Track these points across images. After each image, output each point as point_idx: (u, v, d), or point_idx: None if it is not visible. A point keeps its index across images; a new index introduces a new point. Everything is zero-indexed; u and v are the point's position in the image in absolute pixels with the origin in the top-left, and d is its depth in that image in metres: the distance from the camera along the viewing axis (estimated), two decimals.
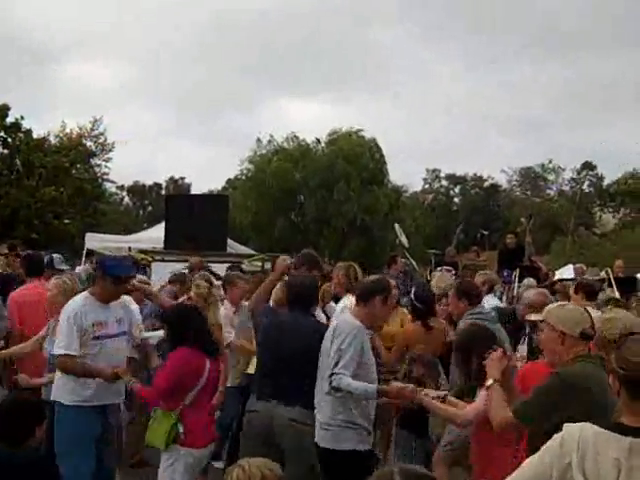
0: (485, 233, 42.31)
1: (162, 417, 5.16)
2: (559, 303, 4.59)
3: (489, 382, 4.20)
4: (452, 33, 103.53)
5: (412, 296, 7.45)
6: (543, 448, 2.92)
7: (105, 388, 5.49)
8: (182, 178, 73.73)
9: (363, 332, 4.95)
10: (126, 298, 5.96)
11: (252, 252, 18.55)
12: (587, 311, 4.17)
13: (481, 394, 4.36)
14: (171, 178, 74.19)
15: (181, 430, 5.07)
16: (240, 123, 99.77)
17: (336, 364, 4.79)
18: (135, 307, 6.32)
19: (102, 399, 5.52)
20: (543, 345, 4.14)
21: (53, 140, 37.23)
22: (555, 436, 2.91)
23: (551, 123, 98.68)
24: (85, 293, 5.64)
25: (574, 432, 2.87)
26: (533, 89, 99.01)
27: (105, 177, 41.55)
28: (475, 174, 73.71)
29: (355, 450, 4.87)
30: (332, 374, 4.76)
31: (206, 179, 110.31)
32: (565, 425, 2.95)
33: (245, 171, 38.99)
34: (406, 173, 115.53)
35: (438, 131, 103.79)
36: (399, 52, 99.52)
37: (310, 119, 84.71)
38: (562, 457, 2.82)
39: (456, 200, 75.37)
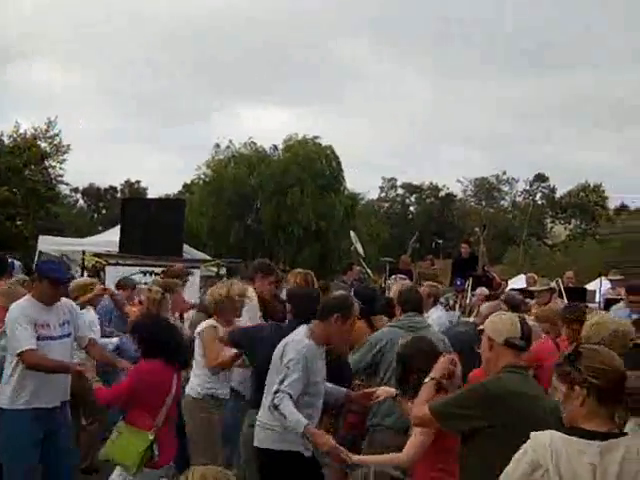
0: (440, 242, 42.75)
1: (133, 435, 5.03)
2: (499, 312, 4.67)
3: (427, 379, 4.26)
4: (412, 45, 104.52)
5: (352, 294, 7.61)
6: (514, 460, 3.02)
7: (47, 390, 5.48)
8: (138, 182, 73.11)
9: (312, 351, 4.92)
10: (70, 302, 5.96)
11: (208, 257, 18.51)
12: (524, 322, 4.19)
13: (415, 430, 4.38)
14: (127, 181, 73.53)
15: (156, 452, 4.99)
16: (197, 129, 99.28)
17: (282, 381, 4.79)
18: (81, 311, 6.29)
19: (44, 401, 5.48)
20: (482, 353, 4.18)
21: (6, 140, 36.65)
22: (525, 450, 3.01)
23: (506, 135, 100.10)
24: (27, 296, 5.67)
25: (544, 441, 2.98)
26: (489, 102, 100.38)
27: (59, 179, 41.05)
28: (431, 183, 74.41)
29: (282, 451, 4.87)
30: (277, 391, 4.76)
31: (162, 183, 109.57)
32: (533, 435, 3.05)
33: (202, 176, 38.86)
34: (363, 181, 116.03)
35: (395, 141, 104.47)
36: (359, 62, 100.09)
37: (268, 126, 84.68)
38: (537, 465, 2.94)
39: (412, 209, 75.93)
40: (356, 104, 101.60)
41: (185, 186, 50.57)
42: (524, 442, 3.58)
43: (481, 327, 4.36)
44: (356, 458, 4.66)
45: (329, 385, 5.36)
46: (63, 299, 5.78)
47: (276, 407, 4.72)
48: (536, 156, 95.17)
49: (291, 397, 4.73)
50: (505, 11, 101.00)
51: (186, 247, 16.26)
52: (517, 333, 4.03)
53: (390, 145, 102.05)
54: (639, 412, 3.24)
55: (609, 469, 2.89)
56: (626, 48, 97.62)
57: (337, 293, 5.53)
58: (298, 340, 5.01)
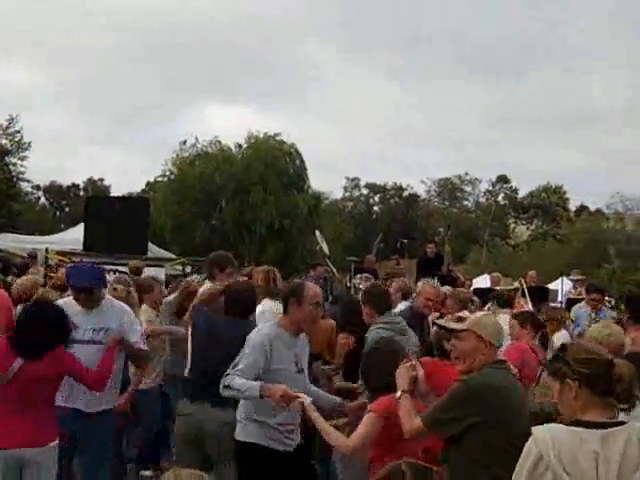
0: (405, 242, 42.95)
1: None
2: (483, 313, 4.78)
3: (398, 393, 4.29)
4: (378, 47, 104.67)
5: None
6: (522, 458, 3.11)
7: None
8: (101, 179, 72.44)
9: (276, 336, 4.96)
10: (126, 311, 5.90)
11: (172, 256, 18.46)
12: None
13: (364, 419, 4.46)
14: (89, 179, 72.80)
15: None
16: (162, 127, 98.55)
17: (234, 366, 4.84)
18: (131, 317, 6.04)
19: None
20: (463, 353, 4.21)
21: None
22: (528, 446, 3.09)
23: (470, 136, 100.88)
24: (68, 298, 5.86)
25: (544, 434, 3.07)
26: (452, 103, 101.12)
27: (20, 176, 40.58)
28: (395, 184, 74.73)
29: (257, 444, 4.87)
30: (227, 374, 4.81)
31: (125, 181, 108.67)
32: (534, 429, 3.13)
33: (168, 173, 38.62)
34: (327, 181, 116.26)
35: (360, 141, 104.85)
36: (324, 62, 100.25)
37: (233, 125, 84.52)
38: (539, 458, 3.02)
39: (375, 209, 76.21)
40: (322, 105, 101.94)
41: (149, 184, 50.23)
42: (506, 435, 3.75)
43: (459, 327, 4.41)
44: (311, 408, 4.64)
45: (321, 393, 5.39)
46: (124, 307, 5.90)
47: (226, 387, 4.77)
48: (498, 157, 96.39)
49: (240, 377, 4.76)
50: (471, 15, 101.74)
51: (151, 245, 16.21)
52: (502, 336, 4.29)
53: (354, 146, 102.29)
54: (627, 400, 3.31)
55: (611, 456, 2.98)
56: (586, 53, 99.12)
57: (290, 282, 5.60)
58: (262, 328, 5.13)
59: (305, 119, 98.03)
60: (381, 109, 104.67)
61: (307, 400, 4.65)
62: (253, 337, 4.98)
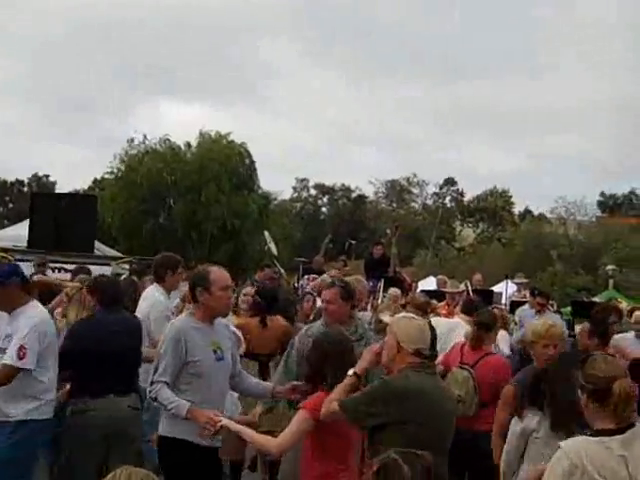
0: (353, 243, 43.19)
1: None
2: (408, 315, 4.80)
3: (350, 371, 4.30)
4: (329, 47, 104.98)
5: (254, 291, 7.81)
6: (549, 470, 3.36)
7: None
8: (47, 176, 71.21)
9: (187, 326, 4.94)
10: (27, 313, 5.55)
11: (120, 255, 18.28)
12: (432, 330, 4.33)
13: (295, 416, 4.42)
14: (35, 175, 71.52)
15: None
16: (111, 124, 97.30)
17: (155, 370, 4.85)
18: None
19: None
20: (384, 347, 4.28)
21: None
22: (558, 457, 3.35)
23: (419, 139, 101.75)
24: None
25: (574, 446, 3.34)
26: (403, 105, 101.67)
27: None
28: (343, 185, 74.98)
29: (182, 440, 4.87)
30: (152, 382, 4.81)
31: (72, 178, 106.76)
32: (563, 444, 3.39)
33: (115, 170, 38.14)
34: (277, 181, 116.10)
35: (309, 141, 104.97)
36: (277, 62, 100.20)
37: (185, 123, 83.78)
38: (573, 469, 3.26)
39: (324, 210, 76.35)
40: (273, 103, 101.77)
41: (95, 181, 49.58)
42: (424, 438, 3.79)
43: (386, 319, 4.50)
44: (232, 425, 4.65)
45: (253, 380, 5.45)
46: (28, 312, 5.48)
47: (155, 399, 4.79)
48: (446, 160, 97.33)
49: (167, 384, 4.76)
50: (423, 16, 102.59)
51: (98, 244, 16.02)
52: (427, 344, 4.17)
53: (305, 146, 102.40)
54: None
55: (637, 456, 3.29)
56: (533, 57, 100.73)
57: (194, 271, 5.53)
58: (174, 321, 5.19)
59: (257, 118, 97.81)
60: (332, 109, 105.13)
61: (224, 421, 4.62)
62: (167, 332, 5.01)
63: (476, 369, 6.38)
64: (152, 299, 6.88)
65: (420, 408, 3.97)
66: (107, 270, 11.94)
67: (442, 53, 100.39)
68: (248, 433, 4.57)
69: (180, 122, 78.32)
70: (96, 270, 11.20)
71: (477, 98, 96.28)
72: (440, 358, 6.27)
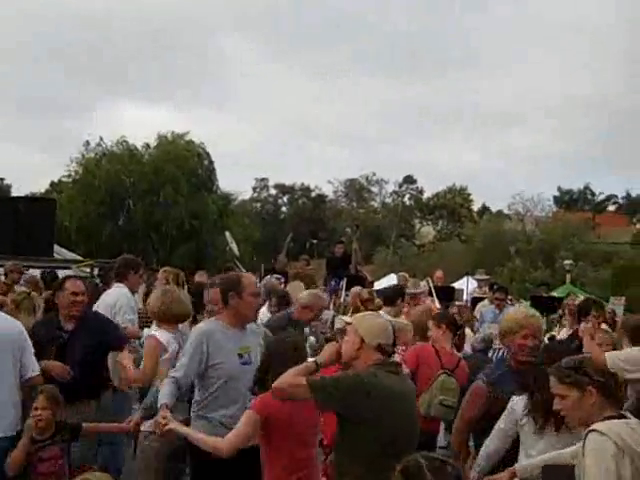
0: (314, 242, 43.22)
1: None
2: (370, 313, 4.86)
3: (311, 359, 4.31)
4: (289, 44, 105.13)
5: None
6: (599, 459, 3.48)
7: None
8: (2, 179, 70.12)
9: (214, 329, 5.07)
10: None
11: (79, 257, 18.12)
12: (393, 327, 4.33)
13: (242, 418, 4.43)
14: None
15: None
16: (69, 125, 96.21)
17: (175, 365, 5.04)
18: None
19: None
20: (345, 344, 4.24)
21: None
22: (602, 440, 3.49)
23: (378, 138, 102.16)
24: None
25: (610, 428, 3.53)
26: (363, 104, 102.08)
27: None
28: (302, 184, 75.07)
29: None
30: (170, 375, 4.97)
31: (28, 182, 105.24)
32: (596, 426, 3.54)
33: (73, 174, 37.74)
34: (237, 182, 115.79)
35: (269, 141, 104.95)
36: (236, 61, 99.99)
37: (144, 125, 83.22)
38: (619, 452, 3.46)
39: (284, 209, 76.35)
40: (233, 103, 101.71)
41: (53, 184, 48.96)
42: (389, 437, 3.89)
43: (349, 320, 4.52)
44: (181, 428, 4.66)
45: None
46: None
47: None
48: (405, 159, 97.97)
49: (176, 381, 4.87)
50: (385, 13, 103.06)
51: (57, 247, 15.89)
52: (389, 340, 4.17)
53: (264, 145, 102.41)
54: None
55: None
56: (494, 56, 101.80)
57: (225, 276, 5.68)
58: (200, 324, 5.28)
59: (216, 119, 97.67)
60: (292, 109, 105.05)
61: (171, 424, 4.59)
62: (191, 334, 5.12)
63: (455, 374, 6.32)
64: (118, 293, 6.96)
65: (388, 407, 3.96)
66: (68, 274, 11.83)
67: (402, 52, 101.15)
68: (196, 436, 4.60)
69: (140, 124, 77.95)
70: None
71: (436, 97, 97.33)
72: (402, 358, 6.27)
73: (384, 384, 4.00)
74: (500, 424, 4.58)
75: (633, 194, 72.86)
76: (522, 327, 4.93)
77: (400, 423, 4.01)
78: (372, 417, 3.93)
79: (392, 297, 7.98)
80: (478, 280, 15.51)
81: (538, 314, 5.50)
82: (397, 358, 5.66)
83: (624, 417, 3.65)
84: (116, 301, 6.82)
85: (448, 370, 6.29)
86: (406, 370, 5.98)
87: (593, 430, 3.50)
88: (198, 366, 4.95)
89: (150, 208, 35.61)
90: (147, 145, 38.48)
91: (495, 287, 11.81)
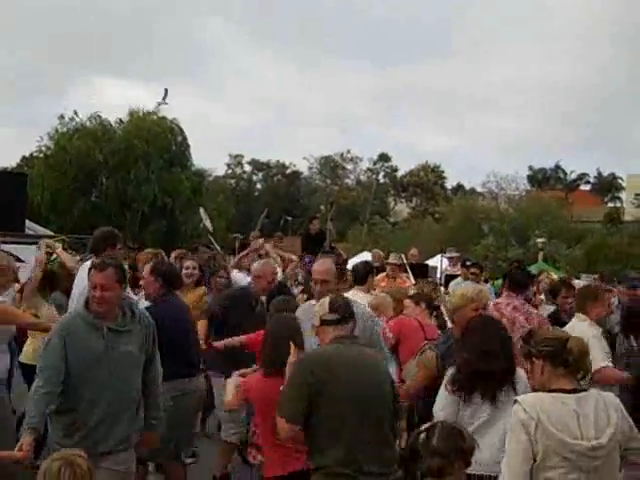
0: (289, 219, 43.11)
1: None
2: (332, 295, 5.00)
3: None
4: (264, 23, 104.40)
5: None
6: (511, 429, 3.66)
7: None
8: None
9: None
10: None
11: (51, 233, 17.92)
12: (334, 298, 4.55)
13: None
14: None
15: None
16: (42, 100, 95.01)
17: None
18: None
19: None
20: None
21: None
22: (514, 410, 3.64)
23: (353, 116, 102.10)
24: None
25: (531, 401, 3.64)
26: (336, 82, 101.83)
27: None
28: (278, 161, 74.80)
29: None
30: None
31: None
32: (520, 398, 3.71)
33: (44, 149, 37.28)
34: (212, 159, 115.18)
35: (245, 119, 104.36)
36: (213, 40, 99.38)
37: (121, 101, 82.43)
38: (529, 424, 3.55)
39: (258, 186, 76.06)
40: (209, 81, 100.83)
41: (24, 159, 48.32)
42: (343, 404, 4.07)
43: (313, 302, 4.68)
44: None
45: None
46: None
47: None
48: (380, 136, 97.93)
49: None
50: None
51: (29, 223, 15.67)
52: (325, 310, 4.37)
53: (240, 123, 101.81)
54: (577, 369, 3.83)
55: (588, 413, 3.59)
56: (470, 38, 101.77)
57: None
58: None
59: (193, 97, 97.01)
60: (268, 87, 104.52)
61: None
62: None
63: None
64: None
65: (334, 376, 4.11)
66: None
67: (380, 36, 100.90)
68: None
69: (115, 100, 77.09)
70: (23, 250, 11.00)
71: (410, 77, 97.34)
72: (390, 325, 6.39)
73: (327, 353, 4.25)
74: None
75: (604, 173, 73.39)
76: (473, 301, 5.26)
77: (349, 386, 4.12)
78: (320, 386, 4.08)
79: (362, 275, 8.03)
80: (449, 258, 15.59)
81: (486, 289, 5.83)
82: (383, 327, 5.81)
83: (577, 390, 3.68)
84: None
85: (431, 342, 6.40)
86: (390, 337, 6.14)
87: (515, 401, 3.70)
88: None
89: (122, 184, 35.29)
90: (120, 120, 38.08)
91: (468, 263, 11.86)
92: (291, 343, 4.54)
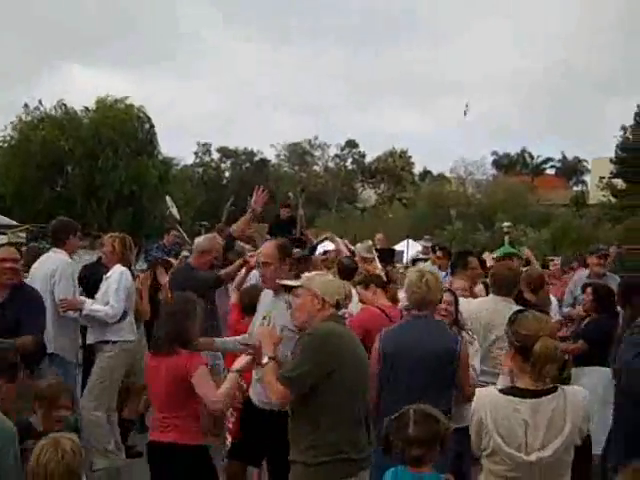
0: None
1: None
2: (318, 273, 5.11)
3: (265, 359, 4.38)
4: (235, 7, 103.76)
5: None
6: (471, 422, 3.66)
7: None
8: None
9: None
10: None
11: (15, 223, 17.75)
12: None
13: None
14: None
15: None
16: (8, 90, 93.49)
17: None
18: None
19: None
20: (300, 307, 4.54)
21: None
22: (472, 409, 3.66)
23: (321, 102, 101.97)
24: None
25: (484, 399, 3.59)
26: (304, 69, 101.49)
27: None
28: (246, 148, 74.41)
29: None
30: None
31: None
32: (477, 392, 3.70)
33: (8, 138, 36.78)
34: (180, 147, 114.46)
35: (213, 106, 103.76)
36: (181, 25, 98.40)
37: (89, 89, 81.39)
38: (481, 423, 3.55)
39: (227, 174, 75.65)
40: (177, 68, 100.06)
41: None
42: (352, 379, 4.18)
43: (294, 284, 4.68)
44: None
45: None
46: None
47: None
48: (347, 123, 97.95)
49: None
50: None
51: None
52: (343, 295, 4.50)
53: (208, 110, 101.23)
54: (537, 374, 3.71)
55: (539, 424, 3.46)
56: (444, 24, 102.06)
57: None
58: None
59: (162, 83, 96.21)
60: (235, 73, 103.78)
61: None
62: None
63: None
64: (57, 260, 6.78)
65: (349, 350, 4.27)
66: (3, 239, 11.59)
67: (346, 20, 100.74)
68: None
69: (82, 88, 76.11)
70: None
71: (377, 62, 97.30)
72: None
73: (336, 329, 4.34)
74: None
75: (569, 156, 74.04)
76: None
77: (362, 367, 4.34)
78: (339, 363, 4.17)
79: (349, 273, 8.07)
80: (424, 246, 15.68)
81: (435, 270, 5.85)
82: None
83: (539, 393, 3.53)
84: (55, 269, 6.64)
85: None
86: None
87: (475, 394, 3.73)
88: None
89: (89, 173, 34.97)
90: (86, 109, 37.68)
91: (436, 247, 11.91)
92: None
